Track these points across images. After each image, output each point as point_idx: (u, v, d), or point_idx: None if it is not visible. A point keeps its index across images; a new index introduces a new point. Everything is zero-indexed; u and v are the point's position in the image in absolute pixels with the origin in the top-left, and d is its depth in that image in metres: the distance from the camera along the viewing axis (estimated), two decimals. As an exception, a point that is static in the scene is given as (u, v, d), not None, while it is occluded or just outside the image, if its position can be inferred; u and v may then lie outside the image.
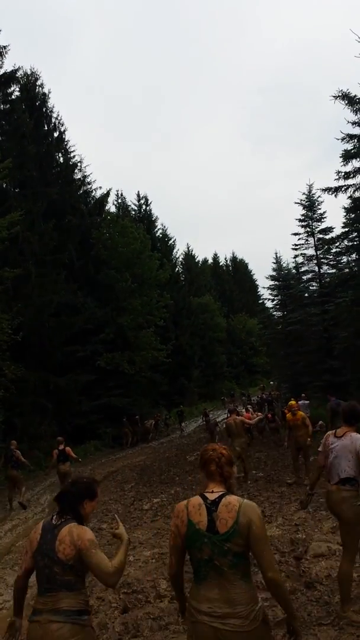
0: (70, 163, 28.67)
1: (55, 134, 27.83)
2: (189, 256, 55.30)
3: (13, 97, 24.64)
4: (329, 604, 4.75)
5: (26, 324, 19.38)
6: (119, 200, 39.50)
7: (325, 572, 5.59)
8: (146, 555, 7.00)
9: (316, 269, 26.31)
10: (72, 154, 28.82)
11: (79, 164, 29.19)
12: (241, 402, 34.39)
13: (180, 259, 51.40)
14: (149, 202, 41.64)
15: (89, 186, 30.26)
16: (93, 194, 30.55)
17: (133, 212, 40.41)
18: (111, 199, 36.80)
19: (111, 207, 35.49)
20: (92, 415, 23.90)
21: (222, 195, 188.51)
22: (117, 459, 20.16)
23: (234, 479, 2.70)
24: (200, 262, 62.85)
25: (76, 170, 29.14)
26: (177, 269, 45.72)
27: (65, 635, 2.55)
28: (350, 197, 19.36)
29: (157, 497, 11.40)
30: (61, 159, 28.25)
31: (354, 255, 22.08)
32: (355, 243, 20.84)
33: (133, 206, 41.17)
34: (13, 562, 7.98)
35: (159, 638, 4.59)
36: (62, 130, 28.06)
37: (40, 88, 27.28)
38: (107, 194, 31.22)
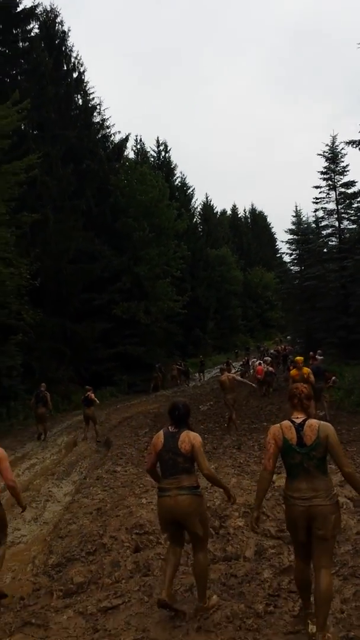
0: (90, 105, 27.95)
1: (75, 75, 27.03)
2: (207, 207, 54.32)
3: (32, 34, 23.83)
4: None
5: (44, 270, 19.49)
6: (138, 146, 38.30)
7: (331, 523, 5.74)
8: (158, 499, 7.24)
9: (336, 223, 25.79)
10: (91, 96, 28.11)
11: (97, 107, 28.48)
12: (258, 355, 34.76)
13: (199, 210, 50.58)
14: (168, 148, 40.55)
15: (107, 130, 29.55)
16: (112, 139, 29.87)
17: (152, 159, 39.46)
18: (130, 144, 35.99)
19: (130, 152, 34.74)
20: (108, 363, 24.28)
21: (243, 146, 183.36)
22: (132, 406, 20.60)
23: (312, 408, 3.81)
24: (218, 214, 61.83)
25: (95, 114, 28.47)
26: (195, 220, 45.04)
27: (190, 503, 3.94)
28: (373, 150, 18.65)
29: (170, 444, 11.66)
30: (80, 101, 27.53)
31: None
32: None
33: (152, 152, 40.11)
34: (31, 498, 8.34)
35: (169, 577, 4.80)
36: (81, 70, 27.28)
37: (60, 25, 26.33)
38: (126, 139, 30.56)
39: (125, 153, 31.49)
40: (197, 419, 15.35)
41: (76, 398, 19.79)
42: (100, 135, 28.98)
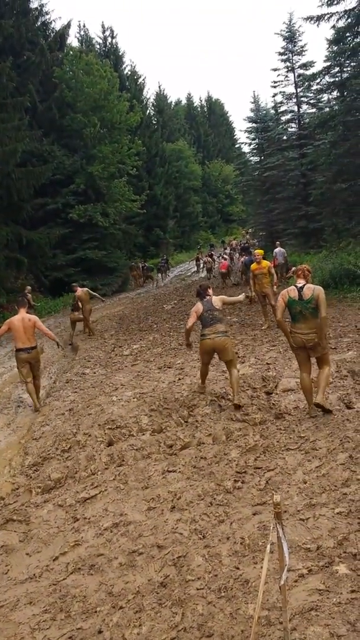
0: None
1: None
2: (160, 96, 51.25)
3: None
4: (295, 432, 5.19)
5: (-10, 176, 18.39)
6: (82, 33, 35.47)
7: (294, 404, 6.04)
8: (128, 395, 7.43)
9: (295, 108, 24.88)
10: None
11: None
12: (222, 250, 35.03)
13: (151, 100, 47.79)
14: (114, 34, 37.59)
15: (47, 17, 27.07)
16: (52, 26, 27.42)
17: (98, 47, 36.53)
18: (73, 31, 33.09)
19: (73, 41, 32.01)
20: (68, 269, 23.88)
21: (199, 28, 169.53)
22: (96, 310, 20.51)
23: (309, 278, 5.58)
24: (172, 104, 58.70)
25: (32, -1, 25.61)
26: (148, 112, 42.68)
27: (225, 341, 6.40)
28: (333, 26, 17.49)
29: (137, 343, 11.84)
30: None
31: (334, 93, 20.71)
32: (336, 79, 19.40)
33: (97, 39, 37.15)
34: (2, 406, 8.45)
35: (142, 465, 5.03)
36: None
37: None
38: (68, 25, 28.00)
39: (68, 41, 29.09)
40: (162, 318, 15.51)
41: (38, 307, 19.66)
42: (39, 23, 26.44)
